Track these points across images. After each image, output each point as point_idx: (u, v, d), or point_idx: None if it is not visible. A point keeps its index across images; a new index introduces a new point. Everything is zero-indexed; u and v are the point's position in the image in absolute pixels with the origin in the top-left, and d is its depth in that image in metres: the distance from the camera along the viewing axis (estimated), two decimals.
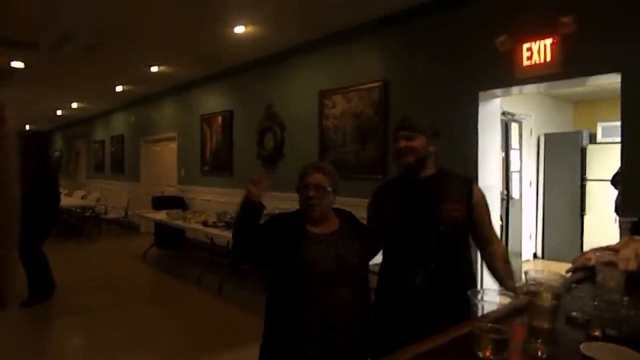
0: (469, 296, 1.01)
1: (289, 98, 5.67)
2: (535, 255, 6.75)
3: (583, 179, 6.34)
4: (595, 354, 0.70)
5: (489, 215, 1.91)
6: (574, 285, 1.47)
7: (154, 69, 6.67)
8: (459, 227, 1.81)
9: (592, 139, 6.50)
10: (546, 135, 6.65)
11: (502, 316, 1.03)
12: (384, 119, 4.47)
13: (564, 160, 6.45)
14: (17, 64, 6.22)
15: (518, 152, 5.98)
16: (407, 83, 4.32)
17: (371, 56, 4.66)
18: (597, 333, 0.96)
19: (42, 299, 4.42)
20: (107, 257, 7.31)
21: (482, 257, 1.92)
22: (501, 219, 4.73)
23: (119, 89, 8.29)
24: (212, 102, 7.14)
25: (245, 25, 4.76)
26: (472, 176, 1.92)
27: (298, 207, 1.90)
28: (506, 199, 5.40)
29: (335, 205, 1.93)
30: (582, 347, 0.72)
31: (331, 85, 5.03)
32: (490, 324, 0.95)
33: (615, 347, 0.75)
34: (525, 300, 1.11)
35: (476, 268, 2.34)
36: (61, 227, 8.35)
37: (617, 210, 5.74)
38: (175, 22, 4.65)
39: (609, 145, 5.90)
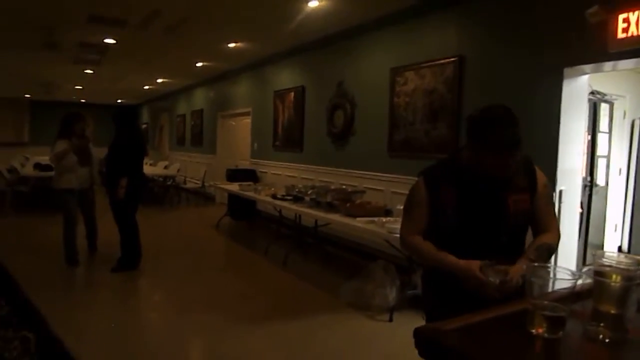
0: (525, 272, 0.97)
1: (360, 75, 5.61)
2: (620, 249, 6.23)
3: None
4: None
5: (553, 205, 1.76)
6: None
7: (231, 45, 6.88)
8: (526, 219, 1.66)
9: None
10: None
11: (561, 297, 0.97)
12: (458, 96, 4.29)
13: None
14: (109, 41, 6.70)
15: (607, 135, 5.49)
16: (483, 59, 4.10)
17: (445, 31, 4.46)
18: None
19: (130, 267, 4.64)
20: (185, 225, 7.82)
21: None
22: (582, 207, 4.40)
23: (199, 64, 8.67)
24: (285, 78, 7.25)
25: (319, 0, 4.75)
26: (530, 157, 1.73)
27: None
28: (589, 185, 5.01)
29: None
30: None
31: (403, 62, 4.90)
32: (547, 302, 0.91)
33: None
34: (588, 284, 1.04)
35: None
36: (146, 195, 9.02)
37: None
38: None
39: None
